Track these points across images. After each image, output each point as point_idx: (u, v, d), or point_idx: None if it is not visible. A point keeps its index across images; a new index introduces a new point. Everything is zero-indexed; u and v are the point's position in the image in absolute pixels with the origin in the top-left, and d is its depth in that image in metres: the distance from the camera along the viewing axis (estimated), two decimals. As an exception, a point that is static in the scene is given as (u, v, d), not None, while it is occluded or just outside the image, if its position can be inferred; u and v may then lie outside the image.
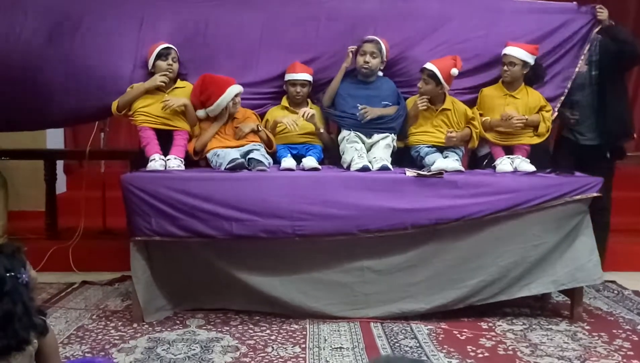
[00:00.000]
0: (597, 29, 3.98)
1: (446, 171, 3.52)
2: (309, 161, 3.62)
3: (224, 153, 3.62)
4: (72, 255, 4.47)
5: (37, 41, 3.75)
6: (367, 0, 4.12)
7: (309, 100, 3.98)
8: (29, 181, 5.34)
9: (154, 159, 3.55)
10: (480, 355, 3.05)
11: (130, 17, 3.91)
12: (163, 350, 3.07)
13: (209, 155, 3.71)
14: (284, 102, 3.97)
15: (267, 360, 2.95)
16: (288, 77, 3.92)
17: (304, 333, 3.32)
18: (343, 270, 3.50)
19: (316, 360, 2.95)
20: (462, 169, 3.65)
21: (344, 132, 3.82)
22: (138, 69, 3.85)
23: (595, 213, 3.68)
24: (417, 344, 3.18)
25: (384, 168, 3.57)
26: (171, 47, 3.78)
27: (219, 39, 3.96)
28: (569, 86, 4.01)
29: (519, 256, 3.52)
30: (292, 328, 3.38)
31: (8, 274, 1.92)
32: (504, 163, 3.71)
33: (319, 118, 3.89)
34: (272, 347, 3.12)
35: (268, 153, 3.76)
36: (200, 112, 3.78)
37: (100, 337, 3.25)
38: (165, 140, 3.71)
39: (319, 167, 3.63)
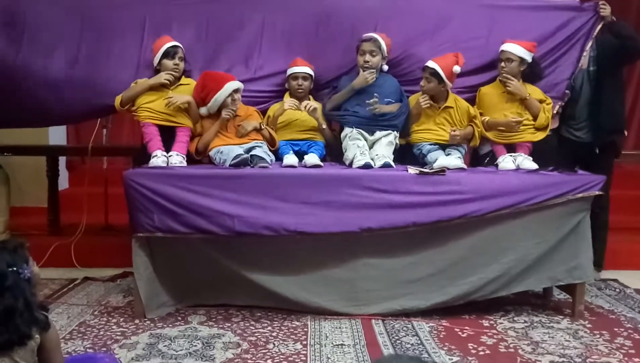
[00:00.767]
0: (599, 26, 3.97)
1: (448, 169, 3.52)
2: (311, 158, 3.62)
3: (227, 150, 3.61)
4: (74, 251, 4.48)
5: (40, 40, 3.76)
6: None
7: (310, 96, 3.97)
8: (32, 177, 5.35)
9: (156, 155, 3.56)
10: (482, 353, 3.06)
11: (133, 17, 3.92)
12: (165, 346, 3.08)
13: (211, 153, 3.70)
14: (286, 98, 3.95)
15: (268, 357, 2.96)
16: (290, 71, 3.92)
17: (306, 330, 3.32)
18: (345, 266, 3.51)
19: (317, 357, 2.96)
20: (465, 167, 3.65)
21: (347, 130, 3.80)
22: (142, 68, 3.86)
23: (594, 211, 3.67)
24: (419, 341, 3.18)
25: (386, 165, 3.57)
26: (178, 46, 3.77)
27: (221, 37, 3.97)
28: (572, 82, 4.01)
29: (520, 254, 3.52)
30: (294, 325, 3.39)
31: (10, 269, 1.93)
32: (506, 161, 3.70)
33: (321, 115, 3.89)
34: (274, 344, 3.12)
35: (271, 150, 3.76)
36: (203, 110, 3.77)
37: (102, 332, 3.26)
38: (168, 136, 3.71)
39: (321, 164, 3.63)
